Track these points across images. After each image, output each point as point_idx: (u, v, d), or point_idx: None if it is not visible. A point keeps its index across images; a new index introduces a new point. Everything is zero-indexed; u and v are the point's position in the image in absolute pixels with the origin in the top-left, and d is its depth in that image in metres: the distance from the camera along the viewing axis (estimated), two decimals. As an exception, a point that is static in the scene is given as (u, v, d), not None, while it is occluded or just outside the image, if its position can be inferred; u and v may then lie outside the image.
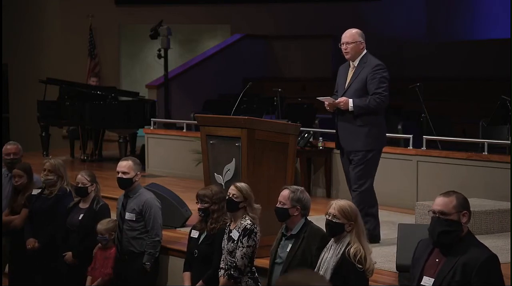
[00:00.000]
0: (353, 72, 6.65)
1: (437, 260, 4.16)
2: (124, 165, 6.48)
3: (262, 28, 15.72)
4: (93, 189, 6.78)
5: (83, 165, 11.93)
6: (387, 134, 9.33)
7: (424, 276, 4.17)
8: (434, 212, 4.15)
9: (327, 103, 6.65)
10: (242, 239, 5.42)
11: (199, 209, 6.01)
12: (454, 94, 12.67)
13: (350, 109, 6.53)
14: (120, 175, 6.47)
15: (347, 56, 6.67)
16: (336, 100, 6.56)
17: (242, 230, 5.44)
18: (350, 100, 6.53)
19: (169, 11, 15.79)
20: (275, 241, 5.27)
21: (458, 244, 4.11)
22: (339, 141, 6.75)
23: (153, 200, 6.55)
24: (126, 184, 6.49)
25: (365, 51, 6.68)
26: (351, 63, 6.71)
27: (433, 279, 4.12)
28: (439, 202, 4.14)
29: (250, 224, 5.44)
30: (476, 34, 15.45)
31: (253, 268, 5.52)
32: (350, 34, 6.63)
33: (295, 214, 5.14)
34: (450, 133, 9.59)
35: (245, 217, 5.47)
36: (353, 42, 6.60)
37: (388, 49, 15.14)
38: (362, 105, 6.52)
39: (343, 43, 6.64)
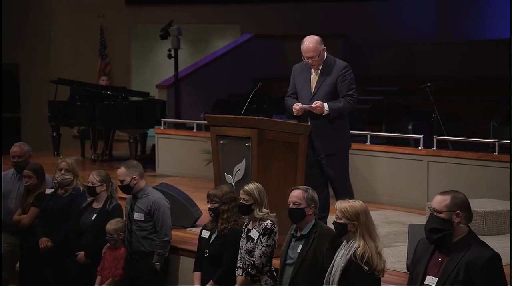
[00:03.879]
0: (319, 77, 6.61)
1: (440, 259, 4.18)
2: (118, 172, 6.54)
3: (272, 28, 15.73)
4: (103, 189, 6.79)
5: (93, 164, 11.96)
6: (398, 134, 9.43)
7: (427, 276, 4.19)
8: (431, 209, 4.25)
9: (297, 108, 6.57)
10: (262, 238, 5.44)
11: (209, 209, 6.03)
12: (464, 94, 12.62)
13: (325, 113, 6.50)
14: (119, 183, 6.56)
15: (314, 67, 6.63)
16: (313, 105, 6.49)
17: (262, 230, 5.46)
18: (325, 104, 6.50)
19: (179, 11, 15.81)
20: (285, 242, 5.27)
21: (461, 244, 4.13)
22: (313, 145, 6.59)
23: (161, 200, 6.56)
24: (126, 190, 6.55)
25: (325, 53, 6.65)
26: (312, 68, 6.65)
27: (437, 279, 4.13)
28: (435, 200, 4.24)
29: (270, 223, 5.47)
30: (486, 34, 15.40)
31: (272, 268, 5.53)
32: (313, 48, 6.55)
33: (309, 213, 5.14)
34: (460, 134, 9.56)
35: (266, 216, 5.49)
36: (318, 54, 6.56)
37: (397, 49, 15.15)
38: (337, 108, 6.51)
39: (308, 58, 6.57)
